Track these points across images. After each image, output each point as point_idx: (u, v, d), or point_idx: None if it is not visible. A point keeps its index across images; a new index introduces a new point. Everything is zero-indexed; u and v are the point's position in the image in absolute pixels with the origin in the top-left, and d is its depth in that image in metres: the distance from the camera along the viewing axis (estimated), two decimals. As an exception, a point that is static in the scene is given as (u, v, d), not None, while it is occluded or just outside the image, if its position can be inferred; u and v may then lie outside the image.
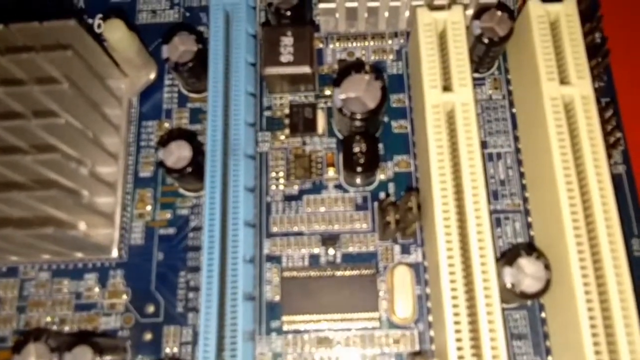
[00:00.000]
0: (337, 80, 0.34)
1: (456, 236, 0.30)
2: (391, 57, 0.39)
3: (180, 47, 0.36)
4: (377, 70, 0.35)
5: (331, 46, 0.40)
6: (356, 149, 0.35)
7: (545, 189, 0.32)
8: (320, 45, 0.40)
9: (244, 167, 0.34)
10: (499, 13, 0.35)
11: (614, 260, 0.29)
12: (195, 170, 0.34)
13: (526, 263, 0.30)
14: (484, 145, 0.37)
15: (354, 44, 0.40)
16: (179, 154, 0.34)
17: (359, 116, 0.34)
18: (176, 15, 0.42)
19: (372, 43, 0.40)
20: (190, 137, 0.35)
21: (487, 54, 0.36)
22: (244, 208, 0.33)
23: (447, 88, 0.33)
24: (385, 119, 0.38)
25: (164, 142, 0.34)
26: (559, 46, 0.33)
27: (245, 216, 0.33)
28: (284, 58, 0.36)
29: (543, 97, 0.32)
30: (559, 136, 0.31)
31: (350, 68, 0.34)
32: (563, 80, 0.32)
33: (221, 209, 0.33)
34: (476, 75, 0.38)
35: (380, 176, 0.37)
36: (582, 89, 0.32)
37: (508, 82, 0.38)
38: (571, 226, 0.30)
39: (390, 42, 0.40)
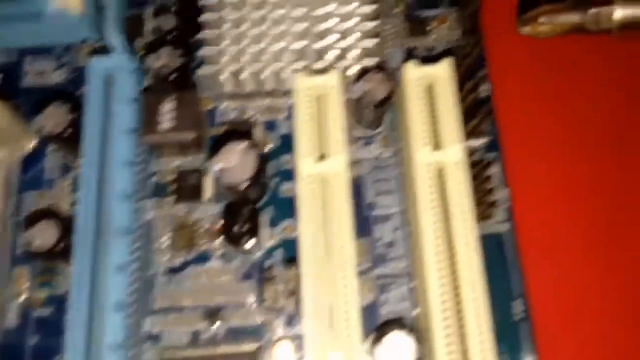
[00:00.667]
0: (213, 149, 0.33)
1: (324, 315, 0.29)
2: (282, 115, 0.39)
3: (54, 117, 0.35)
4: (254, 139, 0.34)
5: (222, 106, 0.39)
6: (238, 218, 0.34)
7: (418, 253, 0.31)
8: (210, 106, 0.39)
9: (118, 244, 0.32)
10: (379, 75, 0.34)
11: (479, 329, 0.28)
12: (64, 252, 0.32)
13: (396, 339, 0.29)
14: (371, 206, 0.36)
15: (245, 103, 0.39)
16: (44, 236, 0.32)
17: (234, 187, 0.33)
18: (64, 75, 0.40)
19: (262, 102, 0.39)
20: (57, 215, 0.33)
21: (370, 116, 0.35)
22: (116, 289, 0.32)
23: (323, 157, 0.32)
24: (275, 181, 0.37)
25: (30, 221, 0.33)
26: (435, 109, 0.33)
27: (116, 298, 0.31)
28: (165, 125, 0.35)
29: (416, 162, 0.31)
30: (430, 204, 0.31)
31: (229, 135, 0.34)
32: (437, 146, 0.32)
33: (90, 289, 0.31)
34: (366, 133, 0.38)
35: (267, 243, 0.36)
36: (454, 155, 0.31)
37: (397, 139, 0.38)
38: (438, 295, 0.29)
39: (280, 100, 0.39)
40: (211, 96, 0.39)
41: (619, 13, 0.28)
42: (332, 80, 0.33)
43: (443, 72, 0.33)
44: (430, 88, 0.33)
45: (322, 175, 0.32)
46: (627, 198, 0.36)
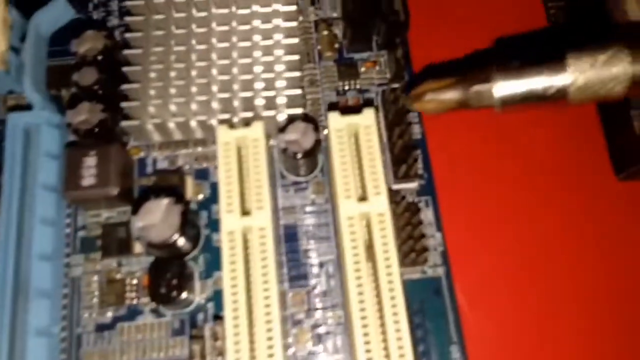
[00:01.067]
0: (135, 207, 0.32)
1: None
2: (214, 163, 0.38)
3: (-31, 177, 0.34)
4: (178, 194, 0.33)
5: (152, 154, 0.38)
6: (164, 275, 0.33)
7: (346, 302, 0.31)
8: (139, 155, 0.38)
9: (36, 306, 0.31)
10: (304, 125, 0.34)
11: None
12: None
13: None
14: (305, 253, 0.36)
15: (175, 152, 0.38)
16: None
17: (158, 245, 0.32)
18: (-14, 128, 0.39)
19: (193, 149, 0.38)
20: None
21: (299, 164, 0.35)
22: (35, 353, 0.30)
23: (246, 212, 0.32)
24: (206, 232, 0.36)
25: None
26: (360, 159, 0.32)
27: (36, 363, 0.30)
28: (86, 181, 0.34)
29: (340, 214, 0.31)
30: (353, 251, 0.30)
31: (154, 190, 0.33)
32: (361, 197, 0.32)
33: (8, 356, 0.30)
34: (299, 179, 0.37)
35: (199, 296, 0.35)
36: (378, 206, 0.31)
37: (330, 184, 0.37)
38: (362, 344, 0.29)
39: (211, 148, 0.38)
40: (140, 145, 0.38)
41: (499, 91, 0.29)
42: (255, 132, 0.33)
43: (366, 120, 0.33)
44: (355, 137, 0.33)
45: (246, 230, 0.31)
46: (559, 243, 0.37)
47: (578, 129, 0.39)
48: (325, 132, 0.36)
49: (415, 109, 0.33)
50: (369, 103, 0.37)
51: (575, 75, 0.29)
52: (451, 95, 0.29)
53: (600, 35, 0.29)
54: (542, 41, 0.40)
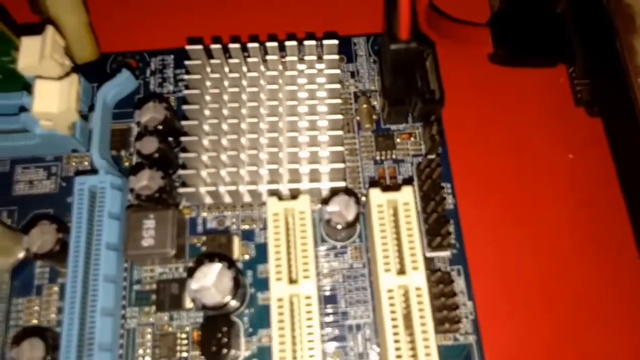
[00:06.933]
0: (190, 270, 0.35)
1: None
2: (259, 225, 0.41)
3: (41, 237, 0.37)
4: (230, 261, 0.36)
5: (202, 215, 0.41)
6: (214, 333, 0.36)
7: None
8: (192, 214, 0.41)
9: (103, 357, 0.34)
10: (346, 198, 0.37)
11: None
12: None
13: None
14: (344, 315, 0.38)
15: (223, 213, 0.41)
16: (31, 354, 0.34)
17: (209, 307, 0.35)
18: (52, 186, 0.43)
19: (240, 212, 0.41)
20: (44, 334, 0.35)
21: (340, 234, 0.38)
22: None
23: (293, 280, 0.34)
24: (252, 290, 0.39)
25: (17, 340, 0.35)
26: (398, 233, 0.35)
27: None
28: (145, 242, 0.38)
29: (380, 286, 0.34)
30: (392, 322, 0.33)
31: (206, 256, 0.36)
32: (400, 270, 0.34)
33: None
34: (338, 244, 0.40)
35: (245, 353, 0.38)
36: (416, 280, 0.34)
37: (368, 249, 0.40)
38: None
39: (256, 212, 0.41)
40: (191, 206, 0.41)
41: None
42: (302, 205, 0.36)
43: (405, 197, 0.36)
44: (394, 212, 0.36)
45: (293, 296, 0.34)
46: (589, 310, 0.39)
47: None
48: (363, 199, 0.39)
49: None
50: (407, 181, 0.40)
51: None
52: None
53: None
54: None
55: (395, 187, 0.36)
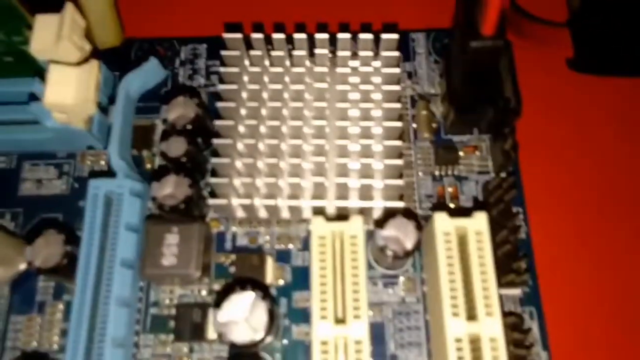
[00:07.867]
0: (217, 301, 0.30)
1: None
2: (297, 245, 0.35)
3: (46, 249, 0.32)
4: (264, 289, 0.31)
5: (232, 230, 0.36)
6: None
7: None
8: (220, 228, 0.36)
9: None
10: (405, 222, 0.31)
11: None
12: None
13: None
14: (393, 358, 0.33)
15: (257, 229, 0.36)
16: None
17: (240, 344, 0.29)
18: (63, 187, 0.38)
19: (276, 229, 0.36)
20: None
21: (393, 262, 0.32)
22: None
23: (340, 320, 0.29)
24: (286, 322, 0.34)
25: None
26: (467, 269, 0.29)
27: None
28: (167, 260, 0.32)
29: (447, 335, 0.28)
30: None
31: (236, 284, 0.30)
32: (470, 315, 0.28)
33: None
34: (388, 272, 0.34)
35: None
36: (490, 329, 0.28)
37: (423, 281, 0.34)
38: None
39: (295, 228, 0.36)
40: (219, 218, 0.36)
41: None
42: (354, 227, 0.30)
43: (478, 225, 0.30)
44: (460, 241, 0.30)
45: (340, 339, 0.28)
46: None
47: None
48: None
49: None
50: (478, 205, 0.34)
51: None
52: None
53: None
54: None
55: (462, 211, 0.30)
